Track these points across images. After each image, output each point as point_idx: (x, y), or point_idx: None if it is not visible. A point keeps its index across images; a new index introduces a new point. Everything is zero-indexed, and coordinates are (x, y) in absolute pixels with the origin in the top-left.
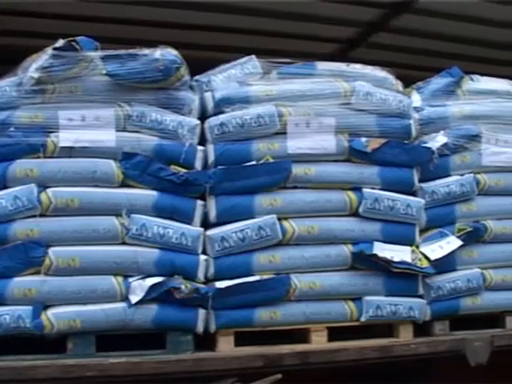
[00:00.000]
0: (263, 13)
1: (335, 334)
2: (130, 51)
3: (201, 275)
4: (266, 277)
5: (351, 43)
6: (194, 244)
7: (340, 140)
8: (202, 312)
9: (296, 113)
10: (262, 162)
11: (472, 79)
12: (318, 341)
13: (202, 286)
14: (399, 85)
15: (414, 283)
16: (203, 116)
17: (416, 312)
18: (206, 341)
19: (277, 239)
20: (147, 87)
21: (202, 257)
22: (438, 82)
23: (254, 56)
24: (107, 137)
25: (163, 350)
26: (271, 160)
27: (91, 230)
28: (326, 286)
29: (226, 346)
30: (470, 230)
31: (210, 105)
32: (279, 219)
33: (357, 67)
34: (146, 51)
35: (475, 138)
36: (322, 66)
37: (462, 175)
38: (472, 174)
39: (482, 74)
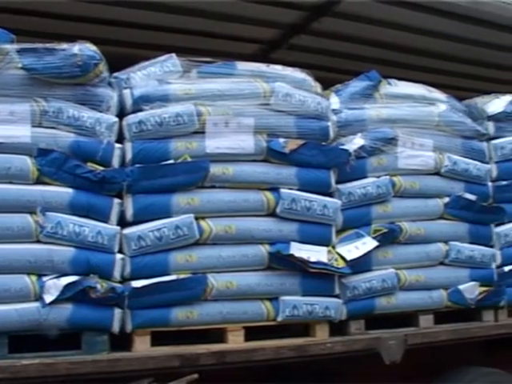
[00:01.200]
0: (185, 11)
1: (252, 333)
2: (48, 45)
3: (117, 274)
4: (182, 276)
5: (272, 44)
6: (110, 243)
7: (258, 140)
8: (117, 312)
9: (215, 112)
10: (179, 160)
11: (390, 83)
12: (235, 340)
13: (118, 285)
14: (318, 87)
15: (330, 283)
16: (121, 113)
17: (332, 311)
18: (122, 341)
19: (194, 238)
20: (65, 83)
21: (119, 256)
22: (356, 85)
23: (174, 54)
24: (22, 132)
25: (78, 350)
26: (189, 159)
27: (5, 228)
28: (242, 286)
29: (142, 345)
30: (385, 231)
31: (129, 102)
32: (196, 218)
33: (277, 68)
34: (65, 46)
35: (392, 141)
36: (242, 66)
37: (378, 177)
38: (388, 177)
39: (400, 79)
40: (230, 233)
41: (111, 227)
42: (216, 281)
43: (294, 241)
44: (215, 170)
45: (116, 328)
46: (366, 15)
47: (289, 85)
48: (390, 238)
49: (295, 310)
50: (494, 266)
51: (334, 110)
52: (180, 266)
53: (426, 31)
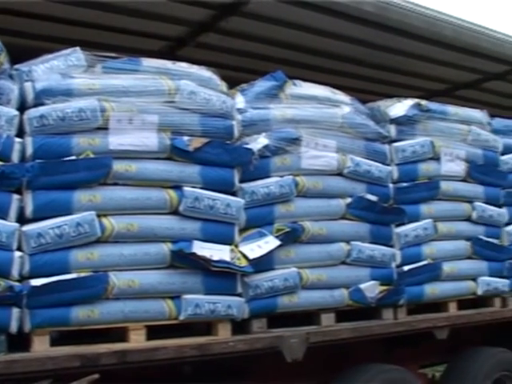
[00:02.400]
0: (91, 4)
1: (154, 332)
2: None
3: (15, 272)
4: (83, 275)
5: (179, 42)
6: (8, 240)
7: (162, 138)
8: (16, 311)
9: (119, 109)
10: (82, 157)
11: (295, 84)
12: (137, 339)
13: (17, 283)
14: (224, 86)
15: (232, 282)
16: (22, 107)
17: (234, 310)
18: (21, 341)
19: (95, 236)
20: None
21: (17, 253)
22: (261, 85)
23: (78, 48)
24: None
25: None
26: (91, 155)
27: None
28: (144, 285)
29: (41, 346)
30: (288, 230)
31: (30, 96)
32: (98, 216)
33: (183, 66)
34: None
35: (295, 141)
36: (148, 62)
37: (281, 177)
38: (291, 176)
39: (305, 80)
40: (132, 231)
41: (10, 224)
42: (118, 279)
43: (197, 239)
44: (118, 167)
45: (14, 328)
46: (274, 16)
47: (194, 83)
48: (292, 237)
49: (197, 308)
50: (393, 265)
51: (238, 109)
52: (81, 264)
53: (332, 34)
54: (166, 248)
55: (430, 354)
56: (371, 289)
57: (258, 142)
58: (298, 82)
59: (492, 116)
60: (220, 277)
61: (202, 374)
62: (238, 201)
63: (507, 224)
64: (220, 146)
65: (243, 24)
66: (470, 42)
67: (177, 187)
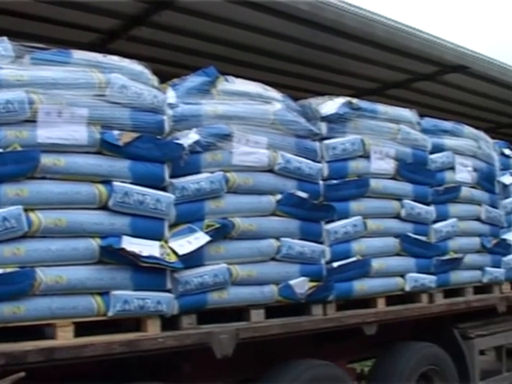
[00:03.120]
0: None
1: (82, 329)
2: None
3: None
4: (9, 270)
5: (111, 34)
6: None
7: (92, 132)
8: None
9: (48, 101)
10: (9, 150)
11: (227, 80)
12: (64, 336)
13: None
14: (155, 80)
15: (162, 278)
16: None
17: (164, 306)
18: None
19: (22, 231)
20: None
21: None
22: (193, 80)
23: (5, 38)
24: None
25: None
26: (19, 148)
27: None
28: (72, 280)
29: None
30: (218, 226)
31: None
32: (25, 210)
33: (114, 59)
34: None
35: (227, 137)
36: (78, 55)
37: (212, 173)
38: (222, 172)
39: (237, 76)
40: (60, 225)
41: None
42: (45, 275)
43: (126, 235)
44: (46, 160)
45: None
46: (207, 12)
47: (125, 76)
48: (222, 233)
49: (126, 304)
50: (323, 261)
51: (170, 104)
52: (7, 259)
53: (265, 31)
54: (94, 243)
55: (358, 350)
56: (301, 285)
57: (189, 138)
58: (230, 77)
59: (421, 115)
60: (149, 273)
61: (132, 371)
62: (168, 196)
63: (435, 221)
64: (150, 141)
65: (176, 18)
66: (401, 42)
67: (106, 182)
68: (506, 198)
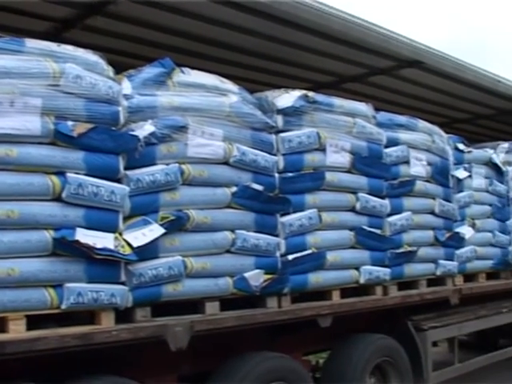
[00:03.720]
0: None
1: (35, 322)
2: None
3: None
4: None
5: (66, 23)
6: None
7: (45, 122)
8: None
9: (0, 90)
10: None
11: (183, 72)
12: (16, 330)
13: None
14: (110, 71)
15: (116, 270)
16: None
17: (118, 299)
18: None
19: None
20: None
21: None
22: (149, 71)
23: None
24: None
25: None
26: None
27: None
28: (25, 273)
29: None
30: (172, 218)
31: None
32: None
33: (68, 49)
34: None
35: (182, 129)
36: (32, 43)
37: (167, 165)
38: (177, 164)
39: (193, 68)
40: (12, 217)
41: None
42: None
43: (80, 226)
44: None
45: None
46: (163, 2)
47: (80, 66)
48: (177, 225)
49: (80, 297)
50: (278, 254)
51: (125, 95)
52: None
53: (221, 23)
54: (48, 235)
55: (313, 342)
56: (256, 277)
57: (144, 129)
58: (186, 69)
59: (377, 110)
60: (103, 265)
61: (85, 364)
62: (122, 188)
63: (389, 215)
64: (105, 132)
65: (132, 8)
66: (357, 36)
67: (60, 173)
68: (460, 191)
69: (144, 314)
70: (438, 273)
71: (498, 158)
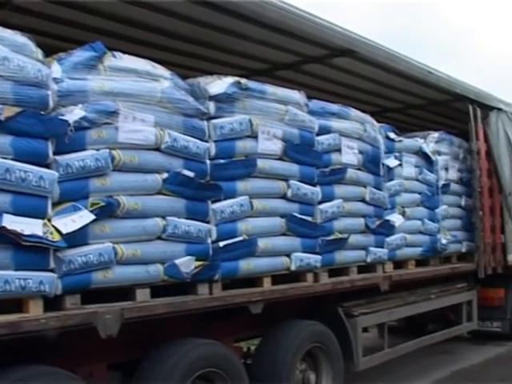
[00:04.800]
0: None
1: None
2: None
3: None
4: None
5: None
6: None
7: None
8: None
9: None
10: None
11: (114, 56)
12: None
13: None
14: (40, 53)
15: (44, 257)
16: None
17: (47, 286)
18: None
19: None
20: None
21: None
22: (80, 55)
23: None
24: None
25: None
26: None
27: None
28: None
29: None
30: (103, 204)
31: None
32: None
33: None
34: None
35: (113, 114)
36: None
37: (97, 150)
38: (107, 150)
39: (125, 53)
40: None
41: None
42: None
43: (7, 213)
44: None
45: None
46: None
47: (7, 48)
48: (107, 211)
49: (7, 285)
50: (209, 241)
51: (55, 78)
52: None
53: (154, 7)
54: None
55: (245, 328)
56: (187, 264)
57: (74, 114)
58: (117, 53)
59: (309, 98)
60: (32, 252)
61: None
62: (51, 173)
63: (321, 202)
64: (34, 117)
65: None
66: (291, 24)
67: None
68: (390, 180)
69: (74, 301)
70: (369, 260)
71: (428, 147)
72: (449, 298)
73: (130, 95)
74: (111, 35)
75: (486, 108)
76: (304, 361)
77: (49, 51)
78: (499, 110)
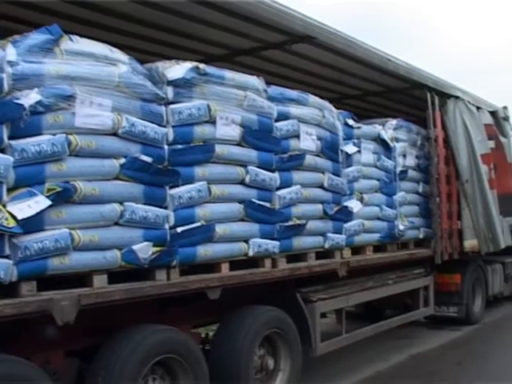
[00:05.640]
0: None
1: None
2: None
3: None
4: None
5: None
6: None
7: None
8: None
9: None
10: None
11: (71, 39)
12: None
13: None
14: None
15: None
16: None
17: (2, 273)
18: None
19: None
20: None
21: None
22: (35, 37)
23: None
24: None
25: None
26: None
27: None
28: None
29: None
30: (59, 190)
31: None
32: None
33: None
34: None
35: (70, 98)
36: None
37: (54, 135)
38: (64, 135)
39: (82, 36)
40: None
41: None
42: None
43: None
44: None
45: None
46: None
47: None
48: (64, 197)
49: None
50: (167, 226)
51: (9, 61)
52: None
53: None
54: None
55: (203, 314)
56: (144, 250)
57: (30, 98)
58: (74, 37)
59: (268, 83)
60: None
61: None
62: (6, 158)
63: (279, 188)
64: None
65: None
66: (249, 9)
67: None
68: (349, 166)
69: (29, 288)
70: (327, 246)
71: (387, 134)
72: (406, 284)
73: (87, 79)
74: (68, 18)
75: (444, 96)
76: (262, 346)
77: (3, 34)
78: (457, 97)
